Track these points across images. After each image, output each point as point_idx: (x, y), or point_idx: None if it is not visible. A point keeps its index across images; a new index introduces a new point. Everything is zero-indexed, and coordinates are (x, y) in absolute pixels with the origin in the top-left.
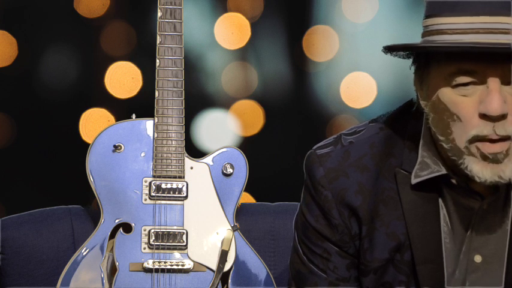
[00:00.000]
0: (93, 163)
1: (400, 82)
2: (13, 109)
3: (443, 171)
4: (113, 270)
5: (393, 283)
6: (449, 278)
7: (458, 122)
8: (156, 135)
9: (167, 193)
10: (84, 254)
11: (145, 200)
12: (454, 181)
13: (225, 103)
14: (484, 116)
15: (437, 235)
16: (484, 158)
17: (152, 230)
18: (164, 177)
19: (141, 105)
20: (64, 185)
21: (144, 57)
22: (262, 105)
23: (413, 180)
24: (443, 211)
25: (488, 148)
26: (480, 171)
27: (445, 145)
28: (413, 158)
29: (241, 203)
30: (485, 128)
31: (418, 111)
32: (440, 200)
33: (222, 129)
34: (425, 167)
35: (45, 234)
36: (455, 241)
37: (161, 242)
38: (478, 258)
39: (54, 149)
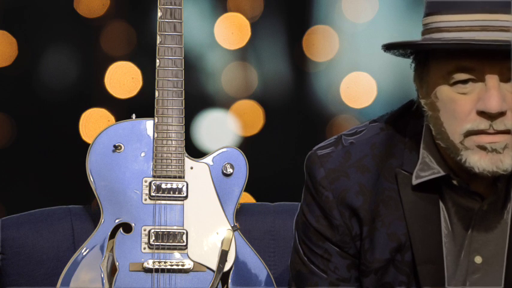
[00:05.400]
0: (93, 163)
1: (400, 82)
2: (13, 109)
3: (443, 172)
4: (113, 270)
5: (394, 283)
6: (450, 278)
7: (453, 119)
8: (156, 135)
9: (167, 193)
10: (84, 254)
11: (146, 200)
12: (454, 182)
13: (225, 103)
14: (481, 113)
15: (438, 236)
16: (482, 148)
17: (152, 230)
18: (164, 177)
19: (141, 105)
20: (64, 185)
21: (144, 57)
22: (262, 105)
23: (414, 181)
24: (443, 212)
25: (485, 139)
26: (478, 161)
27: (442, 143)
28: (414, 159)
29: (241, 203)
30: (481, 123)
31: (418, 111)
32: (440, 201)
33: (222, 129)
34: (426, 168)
35: (45, 234)
36: (455, 242)
37: (161, 242)
38: (478, 259)
39: (54, 149)
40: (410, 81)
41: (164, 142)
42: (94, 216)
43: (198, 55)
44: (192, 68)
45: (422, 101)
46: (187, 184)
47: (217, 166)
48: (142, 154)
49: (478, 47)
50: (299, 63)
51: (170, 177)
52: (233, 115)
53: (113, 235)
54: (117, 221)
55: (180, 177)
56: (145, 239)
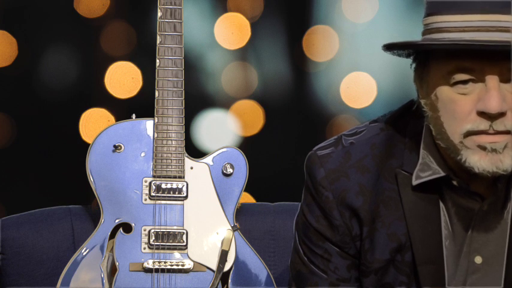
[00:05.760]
0: (93, 163)
1: (400, 82)
2: (13, 109)
3: (443, 173)
4: (113, 270)
5: (394, 284)
6: (450, 278)
7: (453, 120)
8: (156, 135)
9: (167, 193)
10: (84, 254)
11: (146, 200)
12: (454, 182)
13: (225, 103)
14: (481, 114)
15: (438, 236)
16: (482, 148)
17: (152, 230)
18: (164, 177)
19: (141, 105)
20: (64, 185)
21: (144, 57)
22: (262, 105)
23: (414, 182)
24: (443, 212)
25: (485, 139)
26: (478, 161)
27: (442, 144)
28: (414, 159)
29: (241, 203)
30: (481, 124)
31: (418, 111)
32: (440, 201)
33: (222, 129)
34: (426, 168)
35: (45, 234)
36: (455, 242)
37: (161, 242)
38: (478, 260)
39: (54, 149)
40: (410, 81)
41: (164, 142)
42: (94, 216)
43: (198, 55)
44: (192, 68)
45: (423, 101)
46: (187, 184)
47: (217, 166)
48: (142, 154)
49: (478, 47)
50: (299, 63)
51: (170, 177)
52: (233, 115)
53: (113, 235)
54: (117, 221)
55: (180, 177)
56: (145, 239)
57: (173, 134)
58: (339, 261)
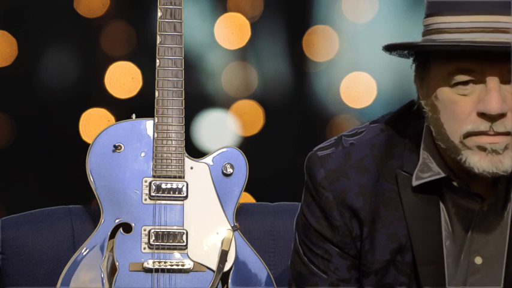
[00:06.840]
0: (93, 163)
1: (400, 82)
2: (13, 109)
3: (444, 173)
4: (113, 270)
5: (394, 284)
6: (450, 279)
7: (453, 120)
8: (156, 135)
9: (167, 193)
10: (84, 254)
11: (146, 200)
12: (455, 183)
13: (225, 103)
14: (482, 115)
15: (438, 236)
16: (482, 149)
17: (152, 230)
18: (164, 177)
19: (141, 105)
20: (64, 185)
21: (144, 57)
22: (262, 105)
23: (415, 182)
24: (444, 212)
25: (485, 139)
26: (478, 161)
27: (442, 144)
28: (414, 160)
29: (241, 203)
30: (481, 125)
31: (418, 112)
32: (440, 202)
33: (222, 129)
34: (427, 169)
35: (45, 234)
36: (455, 242)
37: (161, 242)
38: (478, 260)
39: (54, 149)
40: (410, 82)
41: (164, 142)
42: (94, 216)
43: (198, 55)
44: (192, 68)
45: (423, 102)
46: (187, 184)
47: (217, 166)
48: (142, 154)
49: (479, 48)
50: (299, 63)
51: (170, 177)
52: (233, 115)
53: (113, 235)
54: (117, 221)
55: (180, 177)
56: (145, 239)
57: (173, 134)
58: (339, 262)
